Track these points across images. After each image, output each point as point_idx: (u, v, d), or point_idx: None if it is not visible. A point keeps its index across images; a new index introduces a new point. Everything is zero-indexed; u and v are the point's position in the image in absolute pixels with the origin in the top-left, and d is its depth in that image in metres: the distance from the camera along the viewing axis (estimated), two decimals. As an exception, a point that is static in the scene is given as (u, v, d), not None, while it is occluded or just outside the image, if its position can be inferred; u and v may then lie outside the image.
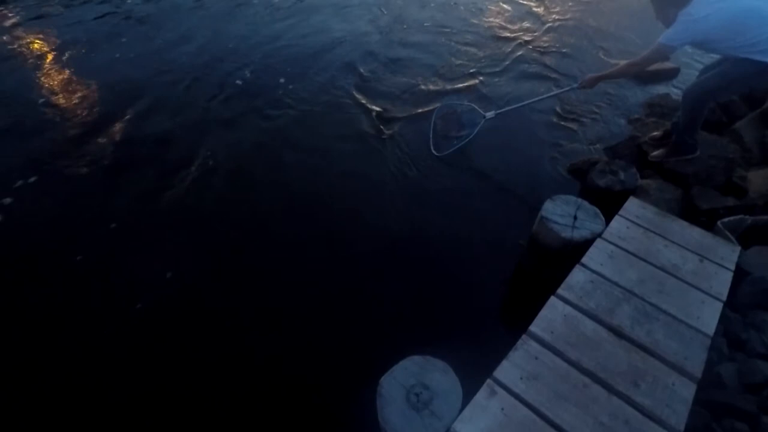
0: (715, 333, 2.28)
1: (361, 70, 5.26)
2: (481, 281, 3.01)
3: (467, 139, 4.12)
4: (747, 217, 3.01)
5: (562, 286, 2.35)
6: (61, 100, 4.44)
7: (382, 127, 4.40)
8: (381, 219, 3.43)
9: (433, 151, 4.14)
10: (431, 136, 4.29)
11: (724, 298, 2.43)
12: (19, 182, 3.47)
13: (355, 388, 2.13)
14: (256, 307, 2.81)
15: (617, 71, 3.52)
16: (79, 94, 4.54)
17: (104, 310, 2.68)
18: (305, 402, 2.33)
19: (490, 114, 4.19)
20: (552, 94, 4.27)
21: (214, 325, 2.69)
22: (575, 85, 3.77)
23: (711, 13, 2.89)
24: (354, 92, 4.89)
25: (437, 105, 4.59)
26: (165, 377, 2.41)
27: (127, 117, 4.30)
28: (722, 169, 3.52)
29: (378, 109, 4.65)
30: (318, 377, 2.44)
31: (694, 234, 2.83)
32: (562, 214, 2.85)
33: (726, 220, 2.97)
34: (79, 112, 4.30)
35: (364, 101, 4.77)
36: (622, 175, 3.39)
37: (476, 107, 4.34)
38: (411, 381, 1.87)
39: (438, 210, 3.56)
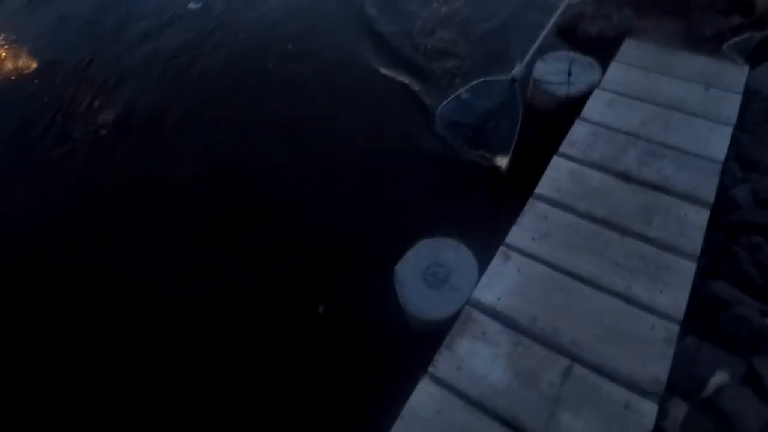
0: (727, 158, 2.23)
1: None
2: (478, 164, 2.94)
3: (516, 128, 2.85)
4: (755, 34, 2.80)
5: (564, 143, 2.27)
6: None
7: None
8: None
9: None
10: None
11: (734, 121, 2.33)
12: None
13: (373, 283, 2.18)
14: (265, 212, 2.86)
15: None
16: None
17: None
18: (326, 301, 2.42)
19: (516, 71, 2.84)
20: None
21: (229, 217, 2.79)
22: None
23: None
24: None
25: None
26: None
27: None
28: (726, -11, 3.20)
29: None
30: (333, 275, 2.51)
31: (698, 63, 2.66)
32: (555, 72, 2.69)
33: (732, 41, 2.77)
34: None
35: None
36: (615, 18, 3.12)
37: (490, 79, 2.98)
38: (425, 262, 1.89)
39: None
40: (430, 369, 1.60)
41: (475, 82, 3.00)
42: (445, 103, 3.00)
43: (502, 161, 2.80)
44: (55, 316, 2.51)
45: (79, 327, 2.46)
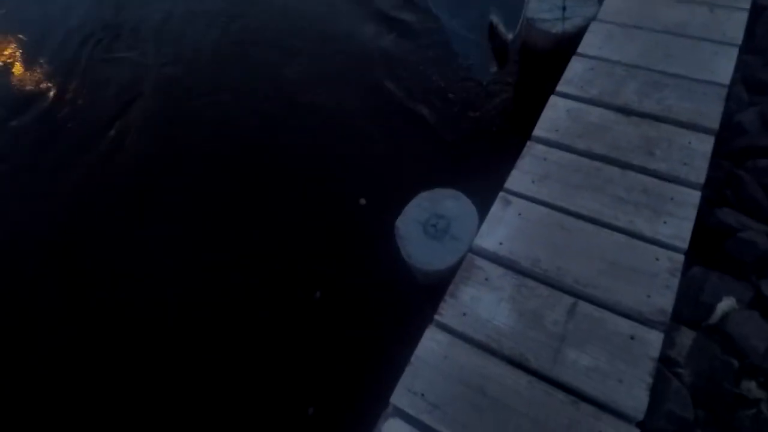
0: (733, 82, 2.14)
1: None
2: (478, 109, 2.87)
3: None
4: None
5: (561, 82, 2.20)
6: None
7: None
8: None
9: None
10: None
11: (740, 41, 2.22)
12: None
13: (375, 241, 2.18)
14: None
15: None
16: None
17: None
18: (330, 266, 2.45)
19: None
20: None
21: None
22: None
23: None
24: None
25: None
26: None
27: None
28: None
29: None
30: (335, 238, 2.53)
31: (701, -17, 2.51)
32: (549, 8, 2.58)
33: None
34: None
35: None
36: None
37: None
38: (425, 215, 1.88)
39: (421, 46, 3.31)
40: (436, 317, 1.62)
41: None
42: None
43: None
44: (58, 315, 2.54)
45: (83, 325, 2.48)
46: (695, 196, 1.75)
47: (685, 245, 1.65)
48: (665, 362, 1.54)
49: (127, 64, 3.80)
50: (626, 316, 1.54)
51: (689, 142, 1.90)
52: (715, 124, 1.94)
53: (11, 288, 2.67)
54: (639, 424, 1.35)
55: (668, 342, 1.56)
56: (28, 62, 4.02)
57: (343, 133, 2.98)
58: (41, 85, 3.80)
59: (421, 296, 2.02)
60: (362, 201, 2.44)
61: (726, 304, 1.61)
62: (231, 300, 2.43)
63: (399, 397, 1.48)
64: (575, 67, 2.24)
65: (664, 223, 1.70)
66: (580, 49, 2.31)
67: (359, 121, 3.01)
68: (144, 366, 2.29)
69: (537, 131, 2.04)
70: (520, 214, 1.82)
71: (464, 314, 1.62)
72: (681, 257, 1.63)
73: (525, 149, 2.00)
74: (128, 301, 2.51)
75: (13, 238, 2.90)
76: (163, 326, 2.40)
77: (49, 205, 3.01)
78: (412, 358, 1.55)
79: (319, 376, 2.12)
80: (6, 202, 3.09)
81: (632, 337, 1.50)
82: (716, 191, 1.93)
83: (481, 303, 1.63)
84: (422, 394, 1.48)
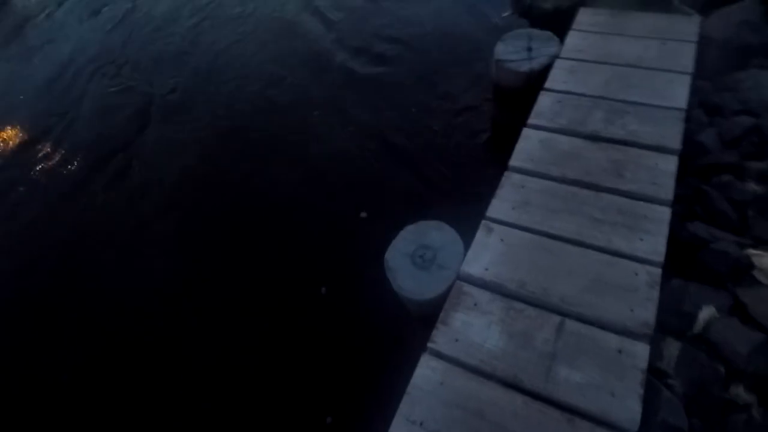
0: (692, 106, 2.30)
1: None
2: (458, 148, 3.02)
3: None
4: (703, -16, 2.88)
5: (531, 115, 2.34)
6: None
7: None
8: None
9: None
10: None
11: (691, 70, 2.40)
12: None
13: (365, 276, 2.24)
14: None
15: None
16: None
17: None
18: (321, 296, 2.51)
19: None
20: None
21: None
22: None
23: None
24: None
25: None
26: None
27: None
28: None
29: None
30: (327, 266, 2.61)
31: (652, 20, 2.74)
32: (516, 50, 2.77)
33: (682, -6, 2.85)
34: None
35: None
36: (568, -9, 3.21)
37: None
38: (412, 247, 1.95)
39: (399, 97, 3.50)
40: (430, 344, 1.65)
41: None
42: None
43: None
44: (64, 334, 2.62)
45: (93, 332, 2.59)
46: (666, 212, 1.85)
47: (661, 259, 1.73)
48: (655, 374, 1.57)
49: (131, 96, 4.00)
50: (612, 330, 1.59)
51: (655, 163, 2.02)
52: (677, 145, 2.07)
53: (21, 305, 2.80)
54: (635, 436, 1.37)
55: (657, 354, 1.60)
56: (36, 97, 4.23)
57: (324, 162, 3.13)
58: (48, 119, 4.02)
59: (414, 328, 2.05)
60: (363, 214, 2.56)
61: (707, 312, 1.67)
62: (233, 309, 2.52)
63: (398, 428, 1.49)
64: (544, 101, 2.40)
65: (640, 239, 1.78)
66: (547, 85, 2.48)
67: (348, 147, 3.17)
68: (152, 380, 2.38)
69: (513, 161, 2.16)
70: (502, 240, 1.89)
71: (456, 340, 1.65)
72: (659, 271, 1.70)
73: (503, 178, 2.11)
74: (133, 309, 2.62)
75: (23, 262, 3.04)
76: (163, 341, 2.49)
77: (55, 232, 3.16)
78: (408, 388, 1.57)
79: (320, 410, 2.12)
80: (16, 230, 3.21)
81: (620, 351, 1.54)
82: (686, 207, 2.04)
83: (472, 328, 1.67)
84: (421, 423, 1.49)
